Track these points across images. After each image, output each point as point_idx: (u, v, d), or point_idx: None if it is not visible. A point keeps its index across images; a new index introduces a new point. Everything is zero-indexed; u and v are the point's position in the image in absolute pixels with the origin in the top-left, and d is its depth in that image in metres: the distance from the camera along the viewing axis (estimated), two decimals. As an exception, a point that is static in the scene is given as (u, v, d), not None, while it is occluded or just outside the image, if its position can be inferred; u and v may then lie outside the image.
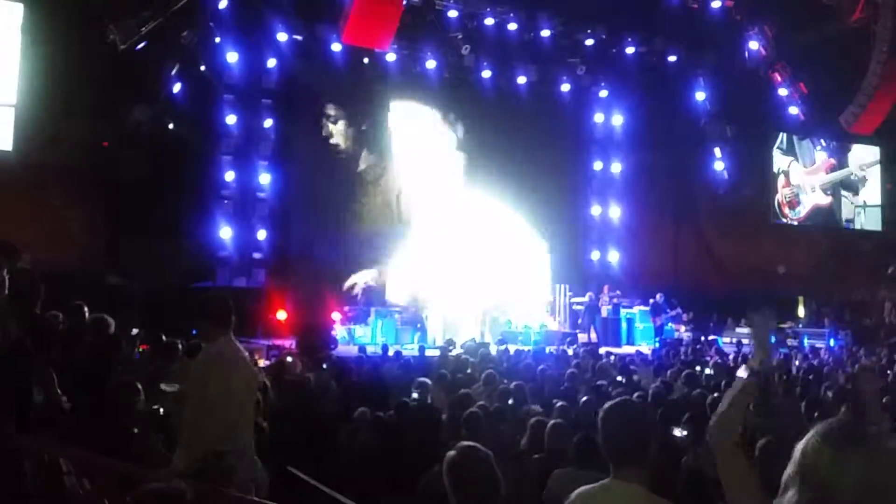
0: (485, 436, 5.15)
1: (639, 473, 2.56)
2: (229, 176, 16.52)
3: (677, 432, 5.23)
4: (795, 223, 22.05)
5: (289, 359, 10.35)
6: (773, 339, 2.54)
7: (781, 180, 21.85)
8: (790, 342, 17.32)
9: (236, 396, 4.16)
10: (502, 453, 3.77)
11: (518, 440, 5.29)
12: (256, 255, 16.82)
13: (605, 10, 18.01)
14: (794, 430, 1.90)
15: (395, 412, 6.09)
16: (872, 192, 23.11)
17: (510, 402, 6.85)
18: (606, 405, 2.76)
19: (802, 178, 22.19)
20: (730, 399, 2.44)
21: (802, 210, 22.15)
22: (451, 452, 3.00)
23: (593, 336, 17.05)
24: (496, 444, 4.76)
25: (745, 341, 15.75)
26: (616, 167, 21.21)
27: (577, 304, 18.47)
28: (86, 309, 6.27)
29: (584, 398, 6.62)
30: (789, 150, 22.14)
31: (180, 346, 7.37)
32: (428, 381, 7.40)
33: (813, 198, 22.33)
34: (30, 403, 3.85)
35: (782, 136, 21.82)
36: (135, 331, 9.69)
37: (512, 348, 13.41)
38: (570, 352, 13.35)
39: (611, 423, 2.65)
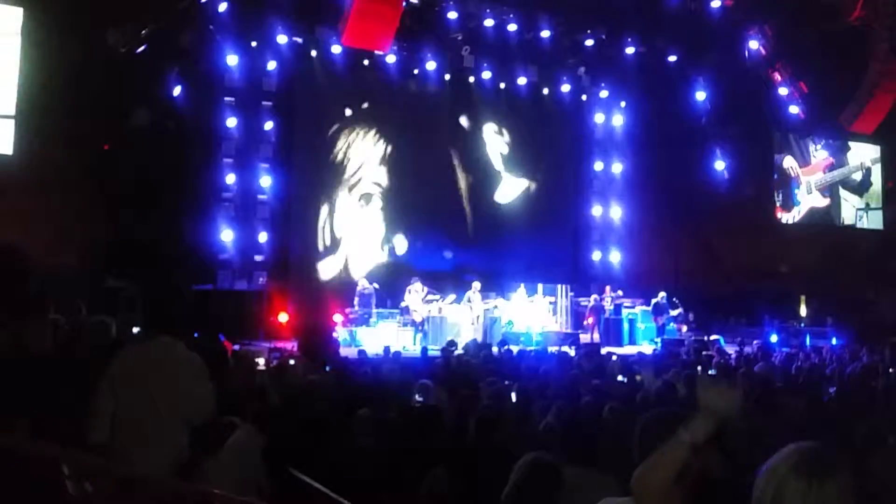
0: (494, 436, 5.15)
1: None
2: (230, 178, 16.53)
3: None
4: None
5: (291, 361, 10.35)
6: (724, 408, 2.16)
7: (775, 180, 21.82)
8: (792, 341, 17.32)
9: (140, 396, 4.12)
10: (507, 453, 3.77)
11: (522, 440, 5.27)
12: (258, 258, 16.83)
13: (604, 11, 18.02)
14: (797, 431, 1.89)
15: (398, 413, 6.08)
16: (875, 195, 23.06)
17: (513, 399, 6.86)
18: (645, 416, 2.57)
19: (799, 178, 22.15)
20: (658, 456, 2.16)
21: (798, 213, 22.11)
22: (529, 456, 3.05)
23: (596, 337, 17.05)
24: (502, 444, 4.76)
25: (746, 341, 15.77)
26: (617, 167, 21.21)
27: (581, 304, 18.48)
28: (83, 309, 6.28)
29: (586, 399, 6.60)
30: (785, 149, 22.10)
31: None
32: (430, 382, 7.40)
33: (809, 200, 22.27)
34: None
35: (776, 135, 21.79)
36: (135, 329, 9.68)
37: (514, 349, 13.39)
38: (572, 352, 13.33)
39: (647, 435, 2.46)
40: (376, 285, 16.70)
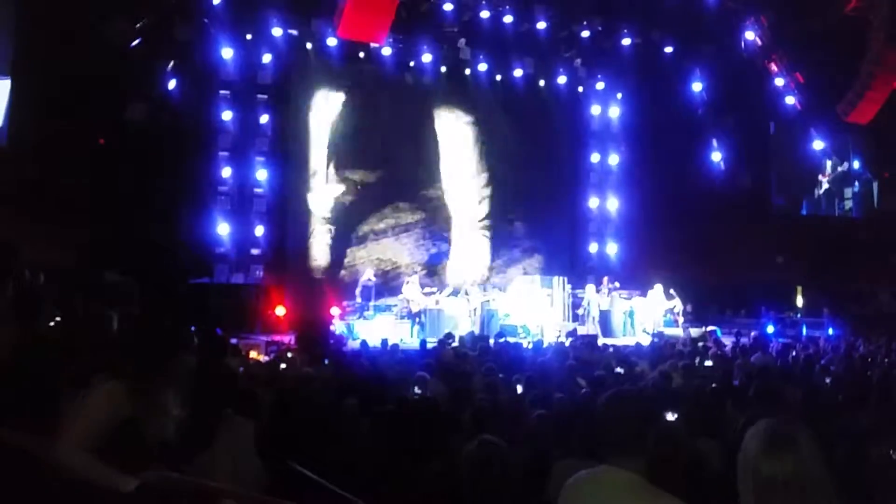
0: (489, 429, 5.16)
1: (635, 462, 2.52)
2: (226, 172, 16.51)
3: (669, 416, 5.24)
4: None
5: (288, 354, 10.36)
6: None
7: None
8: (788, 332, 17.37)
9: None
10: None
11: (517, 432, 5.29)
12: (254, 251, 16.83)
13: (600, 2, 18.02)
14: (792, 420, 1.94)
15: (395, 406, 6.09)
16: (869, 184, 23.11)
17: (520, 391, 6.90)
18: (605, 394, 2.74)
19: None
20: None
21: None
22: (471, 446, 3.05)
23: (592, 328, 17.06)
24: (499, 437, 4.76)
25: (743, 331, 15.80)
26: (613, 159, 21.22)
27: (578, 295, 18.50)
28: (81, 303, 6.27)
29: (584, 390, 6.63)
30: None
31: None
32: (427, 374, 7.41)
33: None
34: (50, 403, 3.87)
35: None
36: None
37: (511, 340, 13.40)
38: (567, 343, 13.34)
39: (608, 411, 2.62)
40: (374, 277, 16.70)
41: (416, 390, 6.95)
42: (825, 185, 22.64)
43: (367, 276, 16.54)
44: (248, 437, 4.94)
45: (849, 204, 22.98)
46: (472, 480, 3.09)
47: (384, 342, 12.34)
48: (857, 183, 22.88)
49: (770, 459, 1.85)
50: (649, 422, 2.75)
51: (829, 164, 22.59)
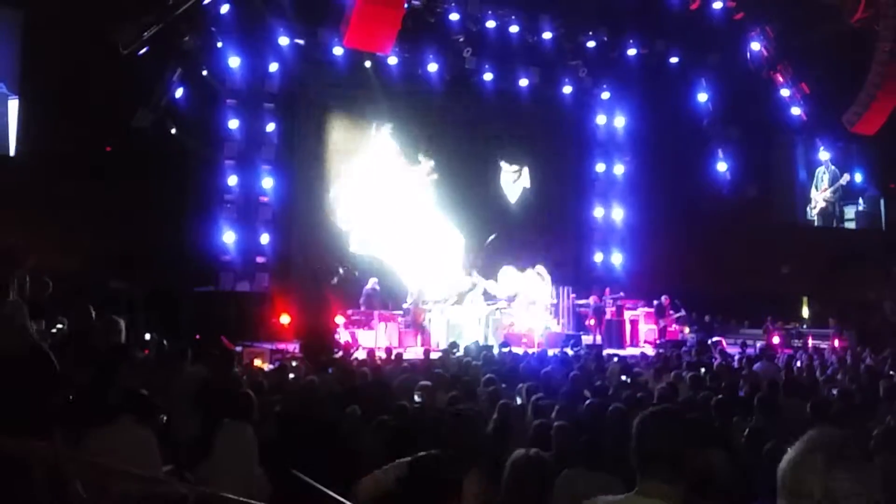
0: (480, 436, 5.15)
1: (667, 489, 2.31)
2: (232, 180, 16.55)
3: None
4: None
5: (293, 363, 10.36)
6: None
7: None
8: (794, 343, 17.29)
9: None
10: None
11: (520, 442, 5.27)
12: (260, 260, 16.84)
13: (606, 12, 18.05)
14: (800, 432, 1.90)
15: (396, 415, 6.08)
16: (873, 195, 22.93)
17: (519, 401, 6.88)
18: (645, 412, 2.51)
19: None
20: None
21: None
22: (519, 453, 3.07)
23: (598, 338, 17.03)
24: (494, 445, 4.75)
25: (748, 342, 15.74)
26: (619, 169, 21.22)
27: (582, 306, 18.48)
28: (93, 311, 6.30)
29: (589, 400, 6.60)
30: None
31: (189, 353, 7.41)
32: (430, 384, 7.40)
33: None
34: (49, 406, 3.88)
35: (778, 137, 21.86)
36: (147, 336, 9.73)
37: (518, 351, 13.36)
38: (571, 353, 13.31)
39: (645, 431, 2.40)
40: (377, 286, 16.69)
41: (418, 399, 6.93)
42: (821, 204, 22.35)
43: (371, 283, 16.54)
44: (246, 441, 4.95)
45: (850, 225, 22.71)
46: (514, 488, 3.08)
47: (388, 351, 12.33)
48: (860, 200, 22.66)
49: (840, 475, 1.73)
50: (690, 446, 2.51)
51: (825, 177, 22.32)
